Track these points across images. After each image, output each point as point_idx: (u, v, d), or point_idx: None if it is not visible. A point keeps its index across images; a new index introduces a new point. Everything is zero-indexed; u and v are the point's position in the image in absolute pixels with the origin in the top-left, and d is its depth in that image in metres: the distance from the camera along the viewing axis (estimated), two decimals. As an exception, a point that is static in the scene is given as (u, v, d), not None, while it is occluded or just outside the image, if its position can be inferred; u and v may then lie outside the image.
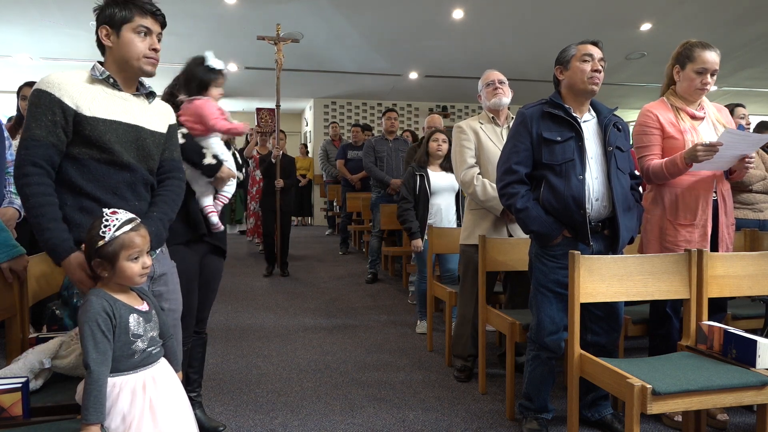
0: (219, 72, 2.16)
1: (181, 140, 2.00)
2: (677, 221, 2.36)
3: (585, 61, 2.16)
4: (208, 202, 2.20)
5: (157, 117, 1.73)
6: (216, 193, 2.26)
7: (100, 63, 1.63)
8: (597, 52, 2.17)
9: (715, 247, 2.38)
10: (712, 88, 2.37)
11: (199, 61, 2.15)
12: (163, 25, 1.65)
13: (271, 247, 5.69)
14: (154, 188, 1.75)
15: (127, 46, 1.58)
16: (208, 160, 2.11)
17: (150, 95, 1.73)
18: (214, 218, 2.20)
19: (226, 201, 2.30)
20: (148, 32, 1.60)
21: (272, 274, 5.67)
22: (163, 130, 1.75)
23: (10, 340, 1.86)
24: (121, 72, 1.62)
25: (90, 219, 1.46)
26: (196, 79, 2.14)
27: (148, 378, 1.40)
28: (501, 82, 2.92)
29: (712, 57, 2.33)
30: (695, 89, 2.37)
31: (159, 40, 1.64)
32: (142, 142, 1.65)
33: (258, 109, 6.65)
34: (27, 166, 1.47)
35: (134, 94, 1.68)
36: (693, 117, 2.40)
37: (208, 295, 2.30)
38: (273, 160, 5.50)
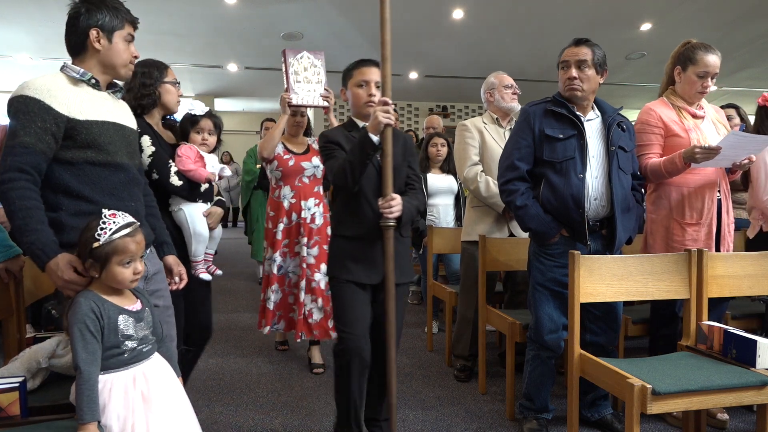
0: (198, 117, 2.25)
1: None
2: (684, 220, 2.35)
3: (562, 68, 2.17)
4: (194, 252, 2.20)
5: (127, 113, 1.76)
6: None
7: (72, 63, 1.62)
8: (575, 56, 2.13)
9: (717, 246, 2.37)
10: (712, 88, 2.36)
11: (187, 116, 2.27)
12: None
13: None
14: (142, 188, 1.77)
15: (118, 54, 1.63)
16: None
17: (117, 92, 1.74)
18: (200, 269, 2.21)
19: (198, 260, 2.21)
20: (132, 41, 1.67)
21: None
22: (134, 126, 1.78)
23: (8, 340, 1.86)
24: (104, 74, 1.65)
25: (87, 222, 1.44)
26: (180, 128, 2.28)
27: (138, 374, 1.40)
28: (515, 87, 2.94)
29: (713, 60, 2.31)
30: (696, 92, 2.36)
31: None
32: (128, 139, 1.69)
33: (285, 52, 3.09)
34: (13, 171, 1.45)
35: (108, 92, 1.69)
36: (694, 116, 2.40)
37: (204, 299, 2.29)
38: None
